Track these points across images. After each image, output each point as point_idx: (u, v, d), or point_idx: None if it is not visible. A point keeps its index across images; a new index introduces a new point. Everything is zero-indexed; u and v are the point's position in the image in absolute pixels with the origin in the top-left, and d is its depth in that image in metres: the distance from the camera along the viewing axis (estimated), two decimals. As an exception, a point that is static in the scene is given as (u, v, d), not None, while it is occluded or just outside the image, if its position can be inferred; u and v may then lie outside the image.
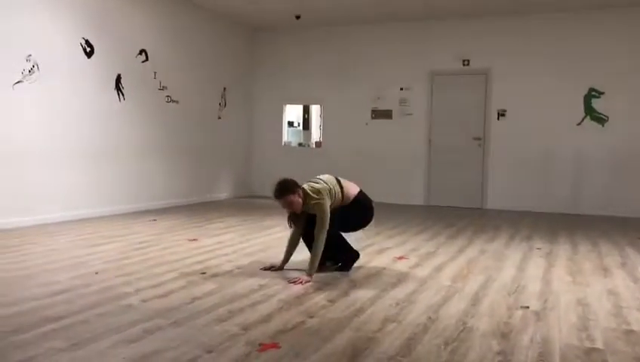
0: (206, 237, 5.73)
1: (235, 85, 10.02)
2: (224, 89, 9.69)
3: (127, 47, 7.53)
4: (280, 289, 3.73)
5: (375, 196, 9.86)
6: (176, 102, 8.48)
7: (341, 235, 4.38)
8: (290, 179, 4.28)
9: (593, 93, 8.57)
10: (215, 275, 4.10)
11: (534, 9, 8.53)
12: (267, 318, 3.11)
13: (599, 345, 2.79)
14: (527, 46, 8.89)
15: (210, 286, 3.78)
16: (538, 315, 3.27)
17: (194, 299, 3.44)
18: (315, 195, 4.15)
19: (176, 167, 8.56)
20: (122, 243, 5.33)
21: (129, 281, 3.86)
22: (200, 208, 8.36)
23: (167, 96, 8.30)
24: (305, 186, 4.26)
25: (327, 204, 4.15)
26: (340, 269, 4.36)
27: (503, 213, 8.65)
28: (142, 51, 7.77)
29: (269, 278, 4.03)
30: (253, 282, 3.91)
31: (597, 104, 8.56)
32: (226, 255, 4.86)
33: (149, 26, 7.92)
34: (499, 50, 9.03)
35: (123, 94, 7.46)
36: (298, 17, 9.27)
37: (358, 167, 9.80)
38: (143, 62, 7.79)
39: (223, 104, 9.69)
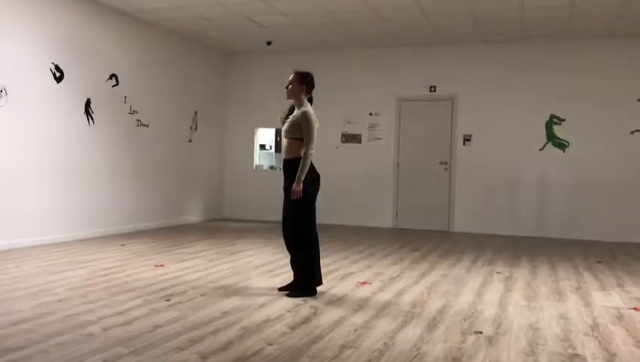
0: (173, 263, 5.76)
1: (206, 109, 10.11)
2: (195, 112, 9.77)
3: (98, 72, 7.58)
4: (242, 316, 3.79)
5: (344, 219, 10.12)
6: (147, 125, 8.53)
7: (318, 252, 4.52)
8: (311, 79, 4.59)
9: (554, 119, 8.87)
10: (179, 302, 4.14)
11: (498, 38, 8.83)
12: (227, 346, 3.17)
13: (544, 369, 2.92)
14: (491, 73, 9.18)
15: (173, 313, 3.83)
16: (490, 340, 3.39)
17: (156, 327, 3.49)
18: (306, 108, 4.46)
19: (146, 191, 8.57)
20: (88, 269, 5.33)
21: (92, 309, 3.89)
22: (170, 232, 8.37)
23: (138, 120, 8.35)
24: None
25: (313, 121, 4.45)
26: (290, 293, 4.43)
27: (468, 236, 8.83)
28: (112, 76, 7.82)
29: (231, 305, 4.09)
30: (215, 309, 3.96)
31: (558, 130, 8.86)
32: (191, 281, 4.91)
33: (120, 50, 7.99)
34: (464, 77, 9.31)
35: (92, 118, 7.49)
36: (269, 43, 9.43)
37: (327, 190, 9.91)
38: (113, 86, 7.84)
39: (194, 127, 9.76)
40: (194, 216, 9.83)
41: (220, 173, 10.62)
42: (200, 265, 5.69)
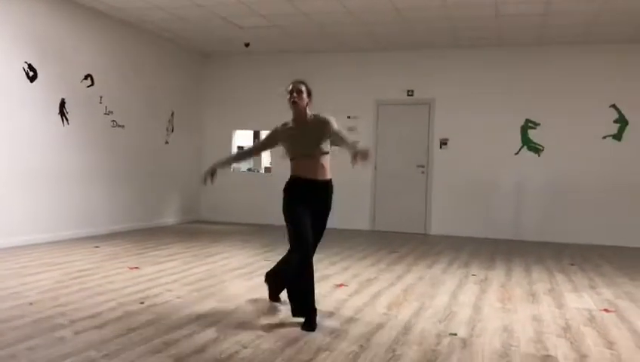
0: (148, 265, 5.70)
1: (183, 110, 10.03)
2: (172, 114, 9.69)
3: (72, 72, 7.47)
4: (218, 319, 3.76)
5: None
6: (122, 126, 8.43)
7: (312, 279, 3.81)
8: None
9: (530, 124, 8.99)
10: (154, 305, 4.10)
11: (475, 43, 8.92)
12: (202, 349, 3.15)
13: (517, 370, 2.95)
14: (468, 78, 9.27)
15: (147, 316, 3.79)
16: (465, 342, 3.42)
17: (129, 330, 3.44)
18: (326, 115, 4.10)
19: (121, 192, 8.47)
20: (61, 271, 5.24)
21: (64, 312, 3.82)
22: (145, 234, 8.27)
23: (113, 120, 8.24)
24: None
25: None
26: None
27: (445, 238, 8.90)
28: (87, 76, 7.72)
29: (207, 308, 4.06)
30: (191, 312, 3.93)
31: (533, 134, 8.99)
32: (166, 284, 4.86)
33: (96, 50, 7.89)
34: (442, 82, 9.38)
35: (67, 119, 7.38)
36: (247, 45, 9.41)
37: (306, 193, 9.92)
38: (88, 86, 7.74)
39: (171, 129, 9.68)
40: (170, 218, 9.74)
41: (196, 174, 10.52)
42: (175, 268, 5.64)
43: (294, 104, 4.04)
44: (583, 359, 3.17)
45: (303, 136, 3.99)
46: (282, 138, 4.13)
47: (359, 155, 3.48)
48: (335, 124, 3.99)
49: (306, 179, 3.94)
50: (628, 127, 8.58)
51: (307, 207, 3.89)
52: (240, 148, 11.19)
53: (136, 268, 5.55)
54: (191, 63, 10.25)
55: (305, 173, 3.95)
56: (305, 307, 3.70)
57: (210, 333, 3.44)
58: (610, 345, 3.46)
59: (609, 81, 8.67)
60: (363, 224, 9.60)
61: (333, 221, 9.52)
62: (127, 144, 8.55)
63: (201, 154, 10.63)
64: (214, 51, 10.27)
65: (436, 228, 9.42)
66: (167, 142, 9.58)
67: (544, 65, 8.94)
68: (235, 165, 10.69)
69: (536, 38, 8.47)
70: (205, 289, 4.70)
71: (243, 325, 3.65)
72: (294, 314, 3.76)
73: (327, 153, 3.98)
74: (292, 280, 3.81)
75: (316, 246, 3.98)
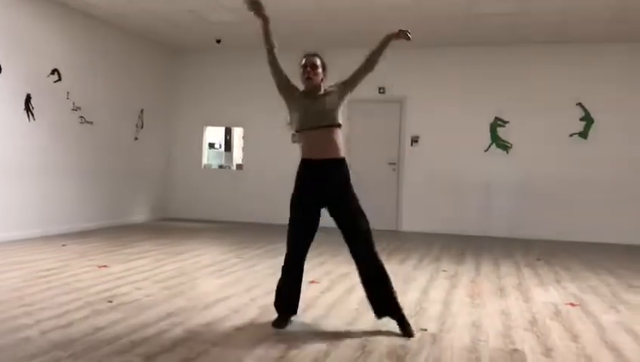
0: (117, 263, 5.62)
1: (153, 106, 9.90)
2: (141, 110, 9.55)
3: (38, 66, 7.31)
4: (188, 317, 3.73)
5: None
6: (91, 123, 8.28)
7: (300, 282, 3.68)
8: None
9: (499, 121, 9.12)
10: (122, 304, 4.04)
11: (446, 42, 9.00)
12: (171, 348, 3.12)
13: (484, 365, 3.00)
14: (439, 77, 9.36)
15: (115, 315, 3.73)
16: (434, 337, 3.45)
17: (97, 330, 3.39)
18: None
19: (90, 190, 8.32)
20: (27, 270, 5.13)
21: (30, 312, 3.74)
22: (115, 232, 8.15)
23: (81, 116, 8.09)
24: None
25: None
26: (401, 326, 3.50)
27: (417, 235, 8.98)
28: (54, 71, 7.55)
29: (177, 306, 4.02)
30: (160, 310, 3.89)
31: (502, 132, 9.12)
32: (136, 282, 4.79)
33: (63, 44, 7.73)
34: (413, 80, 9.45)
35: (33, 114, 7.21)
36: (219, 41, 9.33)
37: (279, 190, 9.90)
38: (55, 82, 7.57)
39: (141, 125, 9.54)
40: (140, 216, 9.61)
41: (167, 171, 10.42)
42: (145, 266, 5.57)
43: (308, 80, 3.68)
44: (548, 352, 3.23)
45: (316, 104, 3.61)
46: (294, 100, 3.70)
47: (399, 33, 3.70)
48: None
49: (317, 160, 3.54)
50: (594, 125, 8.77)
51: (319, 199, 3.58)
52: (211, 145, 11.12)
53: (105, 266, 5.46)
54: (162, 59, 10.12)
55: (315, 151, 3.54)
56: (290, 306, 3.66)
57: (179, 332, 3.41)
58: (575, 338, 3.53)
59: (575, 80, 8.84)
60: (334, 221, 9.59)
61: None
62: (95, 141, 8.40)
63: (172, 150, 10.51)
64: (186, 47, 10.16)
65: (408, 225, 9.49)
66: (136, 139, 9.45)
67: (513, 64, 9.07)
68: (206, 162, 10.60)
69: (505, 37, 8.58)
70: (176, 287, 4.65)
71: (213, 323, 3.62)
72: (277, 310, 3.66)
73: (339, 126, 3.61)
74: (282, 276, 3.68)
75: (361, 235, 3.58)
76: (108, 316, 3.70)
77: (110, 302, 4.07)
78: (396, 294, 3.59)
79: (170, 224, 9.52)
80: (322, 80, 3.75)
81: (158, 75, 10.07)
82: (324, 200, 3.61)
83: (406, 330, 3.47)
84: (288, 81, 3.81)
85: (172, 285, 4.71)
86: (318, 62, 3.76)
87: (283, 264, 3.71)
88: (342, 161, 3.63)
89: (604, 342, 3.48)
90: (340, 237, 3.69)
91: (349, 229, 3.61)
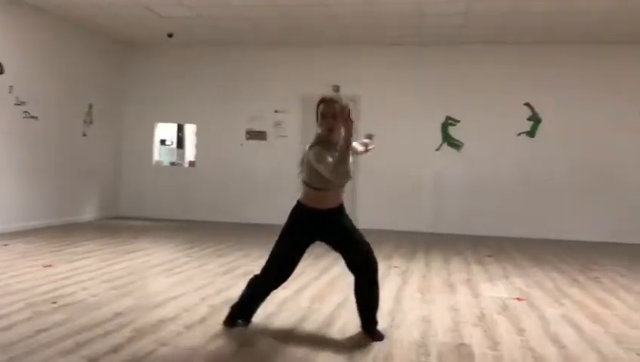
0: (63, 263, 5.44)
1: (102, 101, 9.63)
2: (90, 105, 9.27)
3: (-21, 59, 7.01)
4: (135, 317, 3.64)
5: (249, 217, 10.03)
6: (35, 117, 7.98)
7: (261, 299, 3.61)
8: None
9: (450, 121, 9.29)
10: (67, 304, 3.91)
11: (399, 41, 9.10)
12: (117, 348, 3.04)
13: (433, 359, 3.04)
14: (392, 75, 9.45)
15: (59, 316, 3.61)
16: (385, 333, 3.48)
17: (39, 332, 3.27)
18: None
19: (35, 187, 8.03)
20: (-35, 271, 4.91)
21: (-33, 314, 3.58)
22: (61, 231, 7.89)
23: (25, 111, 7.79)
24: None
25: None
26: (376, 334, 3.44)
27: (371, 232, 8.95)
28: (-4, 63, 7.26)
29: (124, 306, 3.92)
30: (107, 311, 3.78)
31: (453, 131, 9.29)
32: (82, 282, 4.65)
33: (5, 36, 7.42)
34: (367, 78, 9.52)
35: (-27, 109, 6.91)
36: (170, 36, 9.15)
37: (232, 187, 9.82)
38: (-3, 75, 7.28)
39: (89, 121, 9.27)
40: (88, 214, 9.34)
41: (116, 168, 10.16)
42: (92, 265, 5.41)
43: (331, 133, 3.31)
44: (495, 346, 3.31)
45: None
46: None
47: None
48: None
49: (327, 209, 3.45)
50: (540, 125, 9.03)
51: (317, 237, 3.49)
52: (162, 141, 10.91)
53: (50, 266, 5.28)
54: (112, 54, 9.85)
55: (328, 203, 3.45)
56: (249, 315, 3.61)
57: (126, 332, 3.32)
58: (520, 331, 3.63)
59: (523, 80, 9.09)
60: (289, 218, 9.57)
61: (260, 216, 9.56)
62: (41, 136, 8.11)
63: (122, 147, 10.26)
64: (137, 41, 9.93)
65: (362, 222, 9.47)
66: (84, 135, 9.17)
67: (464, 64, 9.25)
68: (157, 159, 10.40)
69: (456, 37, 8.74)
70: (124, 286, 4.53)
71: (162, 323, 3.55)
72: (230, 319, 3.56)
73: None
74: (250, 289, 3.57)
75: (369, 255, 3.50)
76: (52, 317, 3.58)
77: (54, 303, 3.94)
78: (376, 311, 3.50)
79: (120, 222, 9.29)
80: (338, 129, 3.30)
81: (109, 69, 9.80)
82: (321, 238, 3.54)
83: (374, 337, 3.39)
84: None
85: (120, 285, 4.60)
86: (338, 108, 3.23)
87: (258, 279, 3.55)
88: (342, 203, 3.60)
89: (547, 335, 3.58)
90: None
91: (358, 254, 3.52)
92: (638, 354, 3.24)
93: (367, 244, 3.54)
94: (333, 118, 3.25)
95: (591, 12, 7.27)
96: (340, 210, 3.54)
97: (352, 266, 3.49)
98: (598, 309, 4.31)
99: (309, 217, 3.44)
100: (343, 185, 3.46)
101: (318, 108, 3.38)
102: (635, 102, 8.79)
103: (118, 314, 3.70)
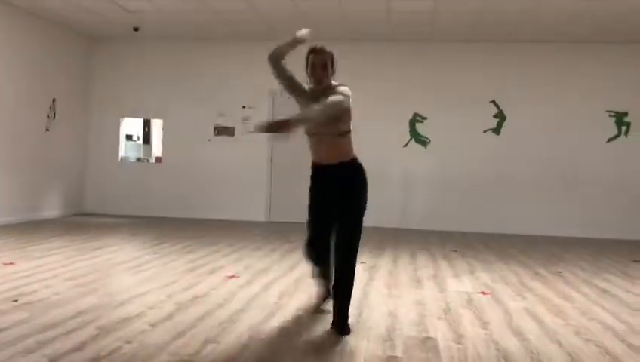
0: (25, 261, 5.32)
1: (66, 96, 9.43)
2: (53, 100, 9.07)
3: (-64, 51, 6.78)
4: (99, 315, 3.59)
5: (216, 213, 9.98)
6: (-4, 112, 7.78)
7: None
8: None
9: (417, 117, 9.38)
10: (29, 303, 3.83)
11: (365, 37, 9.14)
12: (80, 346, 2.99)
13: (399, 353, 3.07)
14: (360, 72, 9.45)
15: (20, 315, 3.53)
16: (352, 328, 3.49)
17: (-1, 331, 3.20)
18: (343, 90, 3.40)
19: (-5, 183, 7.83)
20: None
21: None
22: (24, 228, 7.71)
23: (-15, 105, 7.59)
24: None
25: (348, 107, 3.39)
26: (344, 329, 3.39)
27: (338, 228, 9.06)
28: (-46, 55, 7.04)
29: (88, 304, 3.86)
30: (70, 309, 3.71)
31: (420, 128, 9.39)
32: (44, 280, 4.55)
33: (-36, 28, 7.21)
34: (336, 74, 9.51)
35: None
36: (136, 29, 9.01)
37: (199, 183, 9.73)
38: (-45, 67, 7.06)
39: (52, 115, 9.07)
40: (52, 211, 9.15)
41: (81, 164, 9.97)
42: (56, 263, 5.30)
43: (319, 83, 3.44)
44: (459, 339, 3.36)
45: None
46: (301, 100, 3.56)
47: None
48: (336, 96, 3.30)
49: (319, 165, 3.57)
50: (506, 122, 9.20)
51: (325, 198, 3.66)
52: (129, 137, 10.75)
53: (12, 264, 5.16)
54: (76, 47, 9.65)
55: (316, 156, 3.56)
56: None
57: (90, 330, 3.27)
58: (484, 325, 3.70)
59: (489, 78, 9.24)
60: (258, 215, 9.55)
61: (228, 212, 9.50)
62: (1, 131, 7.90)
63: (87, 142, 10.06)
64: (102, 35, 9.74)
65: (330, 219, 9.57)
66: (47, 130, 8.97)
67: (431, 62, 9.35)
68: (123, 155, 10.24)
69: (424, 34, 8.83)
70: (88, 284, 4.46)
71: (127, 320, 3.51)
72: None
73: (339, 134, 3.46)
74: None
75: (343, 246, 3.54)
76: (12, 316, 3.50)
77: (15, 301, 3.85)
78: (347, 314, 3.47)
79: (85, 219, 9.12)
80: (328, 74, 3.50)
81: (73, 63, 9.60)
82: (327, 199, 3.67)
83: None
84: (294, 83, 3.65)
85: (84, 282, 4.52)
86: (329, 62, 3.47)
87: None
88: (341, 164, 3.58)
89: (510, 327, 3.66)
90: (258, 230, 3.66)
91: (337, 235, 3.59)
92: (596, 345, 3.34)
93: (349, 240, 3.59)
94: (323, 67, 3.40)
95: (558, 11, 7.42)
96: (337, 171, 3.54)
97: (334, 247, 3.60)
98: (559, 302, 4.42)
99: (312, 172, 3.69)
100: (312, 133, 3.48)
101: (307, 58, 3.47)
102: (598, 100, 9.03)
103: (81, 312, 3.64)
